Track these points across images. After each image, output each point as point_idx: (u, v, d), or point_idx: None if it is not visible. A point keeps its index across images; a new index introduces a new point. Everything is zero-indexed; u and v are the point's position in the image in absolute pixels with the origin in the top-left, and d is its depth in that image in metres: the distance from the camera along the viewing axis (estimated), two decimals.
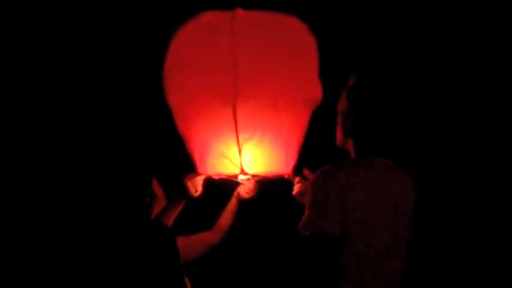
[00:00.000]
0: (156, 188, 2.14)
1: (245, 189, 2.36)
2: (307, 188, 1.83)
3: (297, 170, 2.16)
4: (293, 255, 2.74)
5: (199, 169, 2.20)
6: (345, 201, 1.71)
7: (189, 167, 2.23)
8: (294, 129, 2.15)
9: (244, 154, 2.08)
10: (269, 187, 2.34)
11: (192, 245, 2.29)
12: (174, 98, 2.17)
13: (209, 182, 2.28)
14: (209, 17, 2.14)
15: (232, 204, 2.42)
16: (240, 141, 2.06)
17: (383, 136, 1.81)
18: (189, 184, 2.24)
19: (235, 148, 2.07)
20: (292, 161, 2.17)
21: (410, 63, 3.03)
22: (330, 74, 2.21)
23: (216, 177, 2.22)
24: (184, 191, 2.25)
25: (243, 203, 2.41)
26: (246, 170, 2.12)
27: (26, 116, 3.01)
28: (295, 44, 2.15)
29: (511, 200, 3.03)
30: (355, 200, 1.71)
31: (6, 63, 3.00)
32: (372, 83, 1.82)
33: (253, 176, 2.19)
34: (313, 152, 2.27)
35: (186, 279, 2.11)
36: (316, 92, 2.17)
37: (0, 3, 2.98)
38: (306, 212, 1.77)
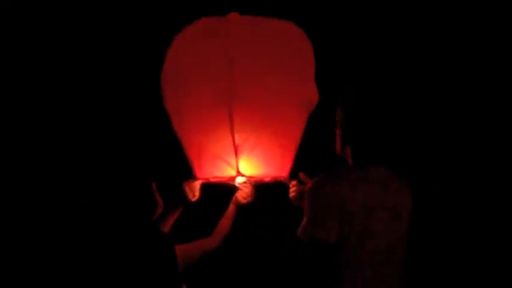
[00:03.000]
0: (156, 195, 2.14)
1: (243, 195, 2.36)
2: (304, 194, 1.84)
3: (293, 173, 2.16)
4: (291, 258, 2.73)
5: (197, 173, 2.20)
6: (342, 209, 1.72)
7: (186, 172, 2.23)
8: (290, 133, 2.15)
9: (241, 156, 2.09)
10: (266, 192, 2.34)
11: (190, 251, 2.27)
12: (172, 103, 2.19)
13: (208, 188, 2.29)
14: (206, 22, 2.17)
15: (231, 209, 2.41)
16: (236, 144, 2.06)
17: (380, 143, 1.83)
18: (187, 189, 2.24)
19: (231, 150, 2.08)
20: (288, 164, 2.17)
21: (406, 67, 3.05)
22: (326, 77, 2.23)
23: (213, 181, 2.22)
24: (181, 196, 2.25)
25: (241, 208, 2.41)
26: (242, 172, 2.12)
27: (24, 120, 3.03)
28: (291, 47, 2.16)
29: (507, 203, 3.02)
30: (352, 208, 1.72)
31: (6, 64, 3.03)
32: (364, 91, 1.84)
33: (250, 178, 2.19)
34: (309, 155, 2.28)
35: (184, 286, 2.10)
36: (312, 95, 2.18)
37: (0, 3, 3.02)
38: (304, 219, 1.79)
